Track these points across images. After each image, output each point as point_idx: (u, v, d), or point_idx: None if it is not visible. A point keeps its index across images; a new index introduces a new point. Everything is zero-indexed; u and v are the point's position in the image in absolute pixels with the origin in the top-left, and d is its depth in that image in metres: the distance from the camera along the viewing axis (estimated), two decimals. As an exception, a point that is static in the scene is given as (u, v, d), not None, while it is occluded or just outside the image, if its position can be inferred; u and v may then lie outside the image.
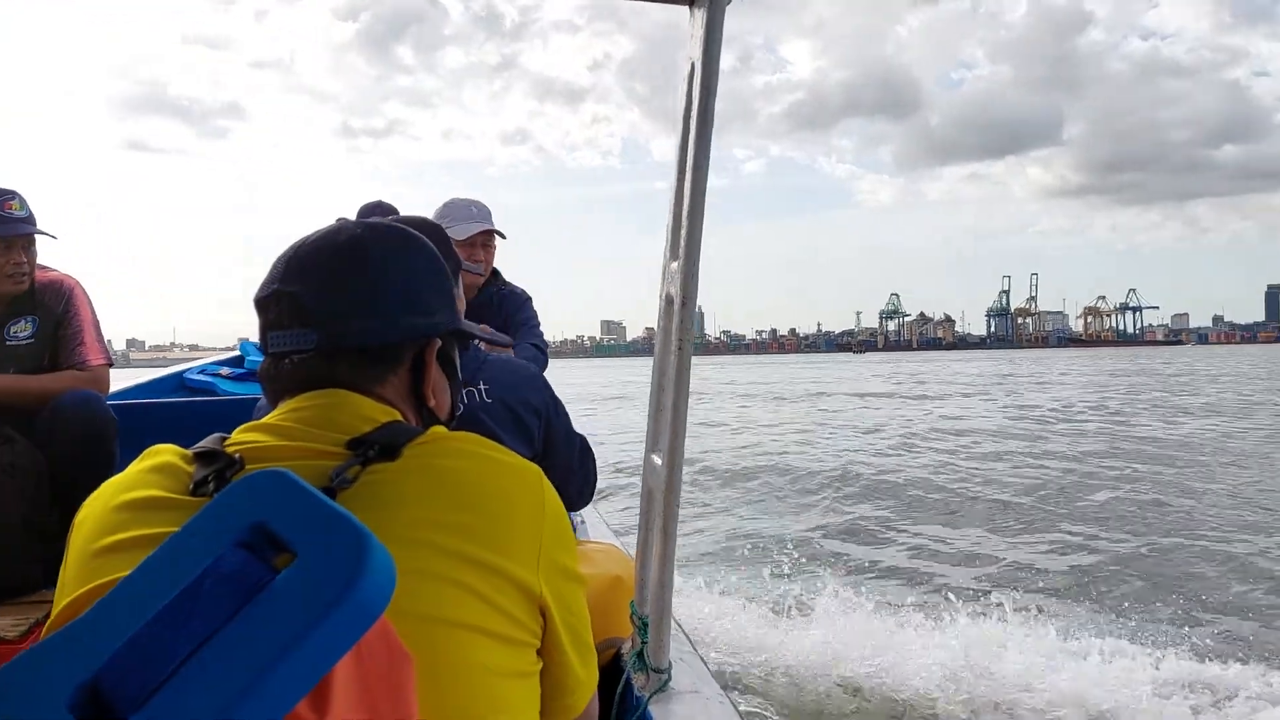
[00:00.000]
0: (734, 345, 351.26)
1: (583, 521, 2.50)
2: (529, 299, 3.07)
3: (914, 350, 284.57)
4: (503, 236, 2.90)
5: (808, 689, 3.79)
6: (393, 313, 0.90)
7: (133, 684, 0.55)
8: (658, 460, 1.43)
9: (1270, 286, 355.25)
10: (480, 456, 0.85)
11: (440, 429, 0.88)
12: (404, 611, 0.69)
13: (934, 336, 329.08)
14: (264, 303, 0.90)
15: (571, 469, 1.73)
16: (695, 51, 1.31)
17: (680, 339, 1.38)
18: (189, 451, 0.82)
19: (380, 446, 0.80)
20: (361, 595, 0.57)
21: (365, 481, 0.78)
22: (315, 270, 0.89)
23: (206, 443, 0.83)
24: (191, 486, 0.77)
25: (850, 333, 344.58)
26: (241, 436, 0.84)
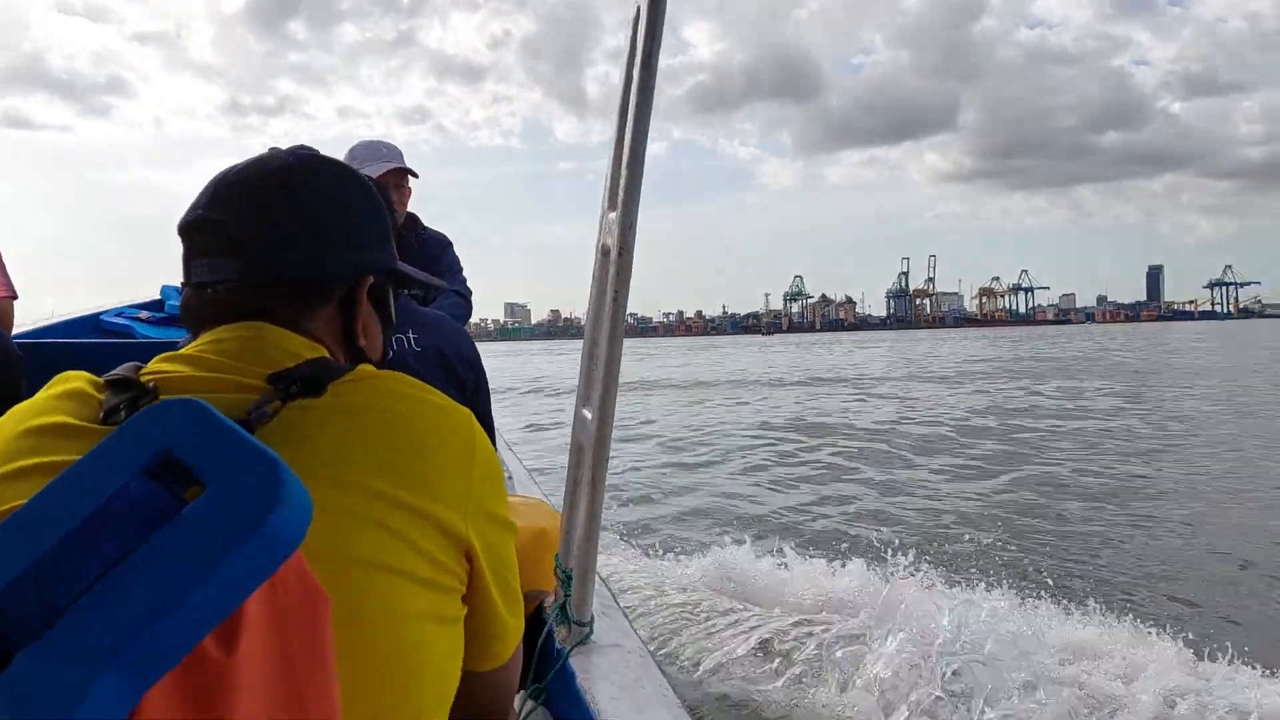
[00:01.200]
0: (641, 328, 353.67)
1: (509, 476, 2.47)
2: (450, 243, 3.01)
3: (817, 331, 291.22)
4: (415, 175, 2.82)
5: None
6: (323, 245, 0.87)
7: (29, 614, 0.52)
8: (588, 414, 1.42)
9: (1151, 268, 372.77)
10: (410, 397, 0.83)
11: (369, 367, 0.86)
12: (323, 552, 0.67)
13: (837, 318, 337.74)
14: (188, 229, 0.86)
15: (490, 431, 1.71)
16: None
17: (616, 290, 1.36)
18: (101, 379, 0.79)
19: (304, 382, 0.77)
20: (273, 529, 0.55)
21: (286, 418, 0.75)
22: (243, 197, 0.85)
23: (120, 371, 0.79)
24: (102, 414, 0.74)
25: (755, 315, 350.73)
26: (158, 366, 0.81)
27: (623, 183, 1.33)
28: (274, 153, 0.91)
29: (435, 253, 2.93)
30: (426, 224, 2.98)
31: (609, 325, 1.37)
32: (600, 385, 1.38)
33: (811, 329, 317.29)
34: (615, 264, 1.35)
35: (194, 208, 0.86)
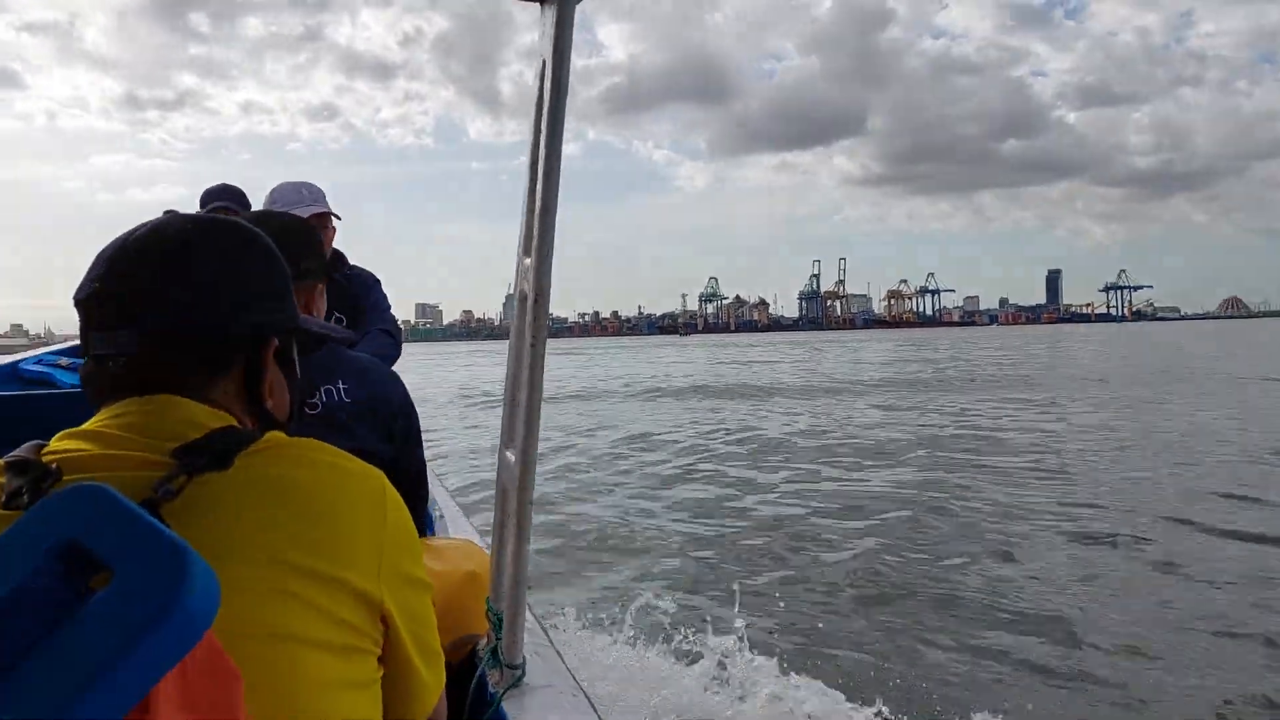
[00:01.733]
0: (556, 328, 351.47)
1: (441, 516, 2.46)
2: (376, 281, 2.97)
3: (732, 332, 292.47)
4: (338, 218, 2.78)
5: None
6: (223, 312, 0.85)
7: None
8: (511, 457, 1.43)
9: (1050, 271, 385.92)
10: (319, 464, 0.83)
11: (278, 435, 0.85)
12: (233, 628, 0.68)
13: (751, 319, 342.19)
14: (85, 302, 0.84)
15: (422, 473, 1.70)
16: (546, 49, 1.32)
17: (534, 336, 1.38)
18: (0, 460, 0.77)
19: (210, 455, 0.77)
20: (181, 616, 0.56)
21: (192, 494, 0.74)
22: (140, 268, 0.83)
23: (20, 452, 0.78)
24: (4, 498, 0.73)
25: (671, 315, 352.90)
26: (60, 444, 0.79)
27: (536, 230, 1.35)
28: (170, 218, 0.89)
29: (360, 291, 2.89)
30: (343, 225, 2.93)
31: (529, 370, 1.38)
32: (523, 428, 1.40)
33: (727, 330, 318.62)
34: (532, 310, 1.37)
35: (90, 280, 0.84)
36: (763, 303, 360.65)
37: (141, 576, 0.57)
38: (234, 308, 0.86)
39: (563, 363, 48.12)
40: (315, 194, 2.71)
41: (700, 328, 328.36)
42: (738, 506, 8.02)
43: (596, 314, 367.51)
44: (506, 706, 1.38)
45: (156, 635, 0.55)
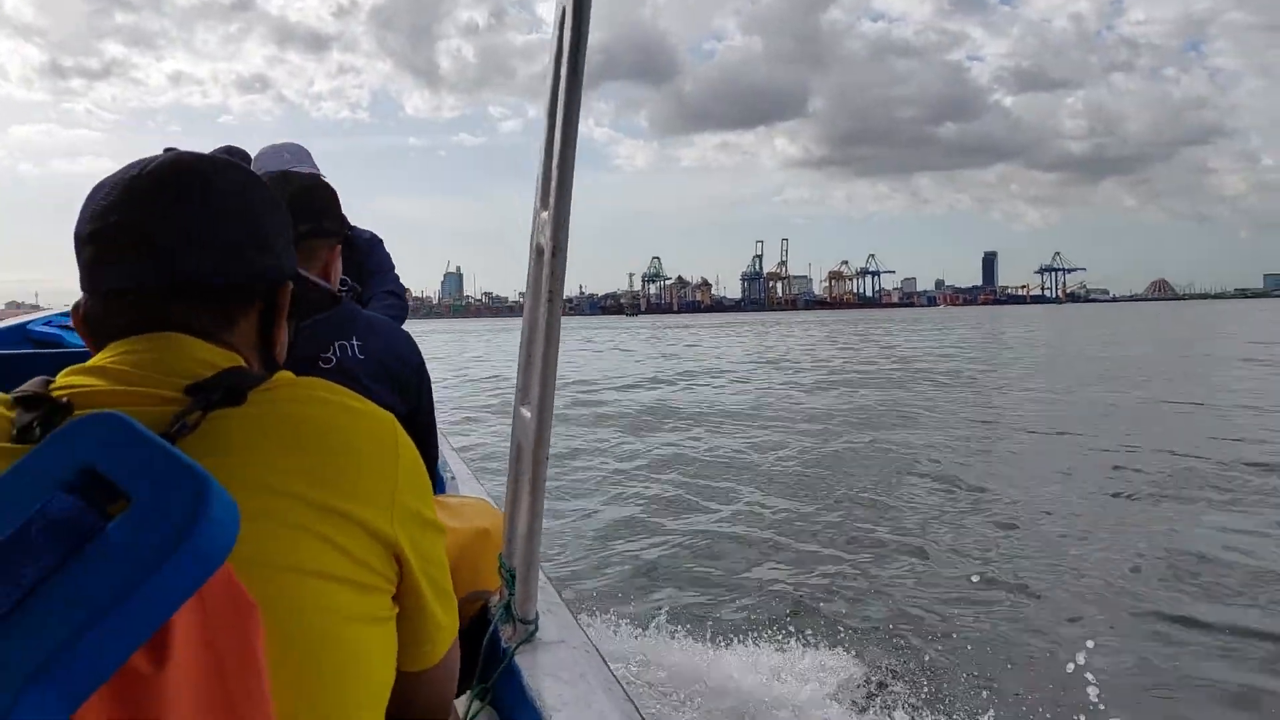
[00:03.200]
0: (496, 307, 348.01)
1: (453, 477, 2.45)
2: (378, 241, 2.90)
3: (675, 313, 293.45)
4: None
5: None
6: (249, 251, 0.84)
7: None
8: (527, 413, 1.42)
9: (986, 253, 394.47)
10: (331, 403, 0.82)
11: (287, 374, 0.84)
12: (250, 559, 0.68)
13: (694, 300, 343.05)
14: (100, 234, 0.80)
15: (432, 429, 1.70)
16: None
17: (551, 290, 1.37)
18: (8, 396, 0.76)
19: (224, 392, 0.76)
20: (200, 542, 0.56)
21: (207, 428, 0.74)
22: (161, 196, 0.80)
23: (29, 386, 0.76)
24: (15, 432, 0.71)
25: (614, 295, 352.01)
26: (69, 380, 0.78)
27: (554, 181, 1.33)
28: (179, 152, 0.86)
29: (361, 254, 2.83)
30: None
31: (545, 324, 1.37)
32: (538, 384, 1.39)
33: (670, 310, 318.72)
34: (549, 264, 1.36)
35: (104, 210, 0.80)
36: (705, 283, 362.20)
37: (160, 503, 0.56)
38: (259, 248, 0.85)
39: (504, 341, 47.40)
40: (299, 154, 2.64)
41: (643, 308, 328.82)
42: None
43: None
44: (519, 661, 1.38)
45: (175, 561, 0.54)
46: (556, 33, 1.33)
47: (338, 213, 1.66)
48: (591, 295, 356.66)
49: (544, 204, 1.37)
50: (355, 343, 1.55)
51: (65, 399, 0.74)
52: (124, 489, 0.57)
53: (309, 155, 2.69)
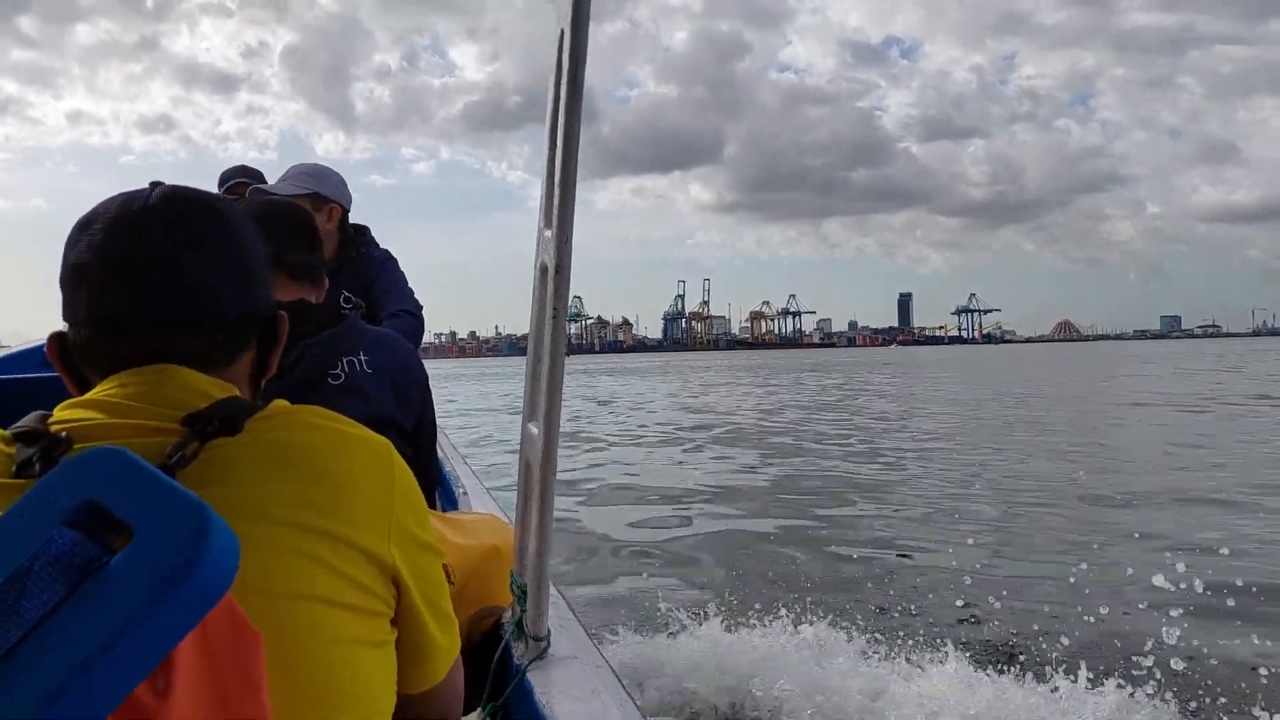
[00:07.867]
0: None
1: (465, 493, 2.45)
2: (391, 260, 2.81)
3: (597, 353, 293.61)
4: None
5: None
6: (255, 281, 0.86)
7: None
8: (534, 430, 1.43)
9: (901, 294, 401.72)
10: (327, 429, 0.84)
11: (283, 402, 0.85)
12: (250, 588, 0.68)
13: (615, 340, 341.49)
14: (103, 263, 0.79)
15: (433, 442, 1.72)
16: (565, 17, 1.31)
17: (555, 307, 1.38)
18: (7, 432, 0.77)
19: (220, 422, 0.77)
20: (203, 574, 0.56)
21: (205, 458, 0.75)
22: (175, 229, 0.81)
23: (26, 422, 0.77)
24: (14, 468, 0.72)
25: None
26: (66, 414, 0.78)
27: (556, 201, 1.34)
28: (173, 186, 0.85)
29: (374, 273, 2.77)
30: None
31: (550, 342, 1.38)
32: (545, 401, 1.40)
33: (592, 350, 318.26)
34: (553, 282, 1.37)
35: (104, 242, 0.79)
36: (626, 323, 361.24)
37: (162, 536, 0.57)
38: (262, 280, 0.87)
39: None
40: (307, 176, 2.58)
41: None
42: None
43: (454, 334, 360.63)
44: (532, 678, 1.38)
45: (179, 593, 0.55)
46: (556, 54, 1.35)
47: (303, 240, 1.55)
48: (509, 336, 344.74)
49: (547, 223, 1.38)
50: (363, 358, 1.57)
51: (64, 433, 0.74)
52: (126, 522, 0.58)
53: (322, 178, 2.62)
